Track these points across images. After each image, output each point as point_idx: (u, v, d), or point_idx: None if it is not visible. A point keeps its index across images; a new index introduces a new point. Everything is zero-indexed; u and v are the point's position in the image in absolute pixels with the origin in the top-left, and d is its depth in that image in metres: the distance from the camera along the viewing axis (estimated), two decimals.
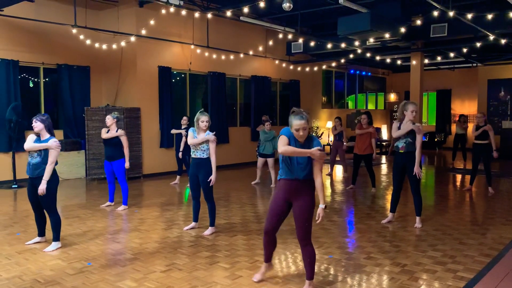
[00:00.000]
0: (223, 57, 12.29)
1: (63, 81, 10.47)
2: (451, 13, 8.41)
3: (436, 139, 18.37)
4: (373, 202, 7.84)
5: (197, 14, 9.71)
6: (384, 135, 19.98)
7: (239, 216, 6.64)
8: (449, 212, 7.01)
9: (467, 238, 5.40)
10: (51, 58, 10.29)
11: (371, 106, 20.56)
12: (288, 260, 4.68)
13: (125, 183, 7.09)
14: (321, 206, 3.70)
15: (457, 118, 15.06)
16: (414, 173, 5.89)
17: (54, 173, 4.90)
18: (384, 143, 18.11)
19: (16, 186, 9.09)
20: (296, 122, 3.62)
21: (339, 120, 10.80)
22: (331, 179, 10.40)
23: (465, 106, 18.51)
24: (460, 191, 8.96)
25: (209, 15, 9.81)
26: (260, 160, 9.57)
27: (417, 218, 6.07)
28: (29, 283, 3.99)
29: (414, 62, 13.76)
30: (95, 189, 9.03)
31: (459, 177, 10.89)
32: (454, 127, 15.06)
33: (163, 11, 9.42)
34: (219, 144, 11.90)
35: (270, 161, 9.35)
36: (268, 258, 4.05)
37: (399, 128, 5.95)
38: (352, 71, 18.20)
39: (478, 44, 11.67)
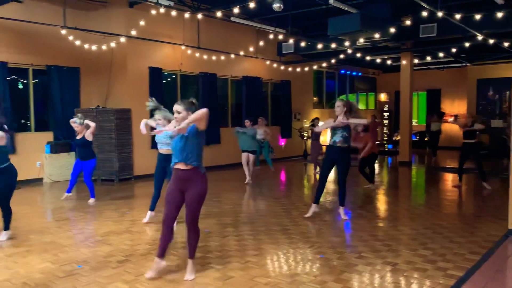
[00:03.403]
0: (214, 57, 12.27)
1: (53, 83, 10.38)
2: (440, 14, 8.49)
3: (426, 139, 18.50)
4: (364, 201, 7.88)
5: (187, 15, 9.68)
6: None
7: (231, 216, 6.63)
8: (439, 210, 7.07)
9: (457, 237, 5.45)
10: (40, 59, 10.20)
11: (362, 106, 20.65)
12: (280, 260, 4.69)
13: (90, 181, 7.71)
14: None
15: (433, 116, 15.32)
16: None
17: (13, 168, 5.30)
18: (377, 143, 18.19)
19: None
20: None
21: (318, 121, 11.26)
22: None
23: (454, 106, 18.66)
24: (449, 190, 9.03)
25: (200, 16, 9.79)
26: (244, 156, 9.92)
27: (342, 208, 6.44)
28: (19, 286, 3.95)
29: (404, 62, 13.86)
30: (86, 191, 8.97)
31: (448, 175, 10.97)
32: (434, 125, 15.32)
33: (153, 12, 9.37)
34: (210, 144, 11.88)
35: (252, 157, 9.80)
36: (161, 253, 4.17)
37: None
38: (343, 71, 18.28)
39: (467, 44, 11.77)
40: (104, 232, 5.76)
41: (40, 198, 8.62)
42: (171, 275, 4.20)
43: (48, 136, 10.44)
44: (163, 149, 6.08)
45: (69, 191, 7.93)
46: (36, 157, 10.15)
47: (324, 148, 10.85)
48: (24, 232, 5.78)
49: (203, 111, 3.93)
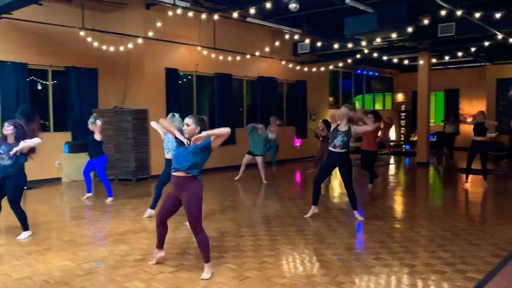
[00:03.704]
0: (229, 58, 12.31)
1: (71, 84, 10.54)
2: (459, 13, 8.36)
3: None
4: (382, 203, 7.80)
5: (203, 16, 9.73)
6: (392, 135, 19.90)
7: (246, 217, 6.64)
8: (457, 212, 6.97)
9: (476, 239, 5.36)
10: (59, 60, 10.36)
11: (378, 106, 20.47)
12: (296, 261, 4.68)
13: (105, 177, 7.87)
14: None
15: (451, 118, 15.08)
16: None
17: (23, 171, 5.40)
18: (391, 143, 18.04)
19: (25, 187, 9.13)
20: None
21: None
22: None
23: (473, 106, 18.36)
24: (468, 191, 8.89)
25: (216, 17, 9.83)
26: (248, 158, 10.08)
27: (356, 212, 6.43)
28: (39, 283, 4.02)
29: (421, 62, 13.68)
30: (103, 190, 9.07)
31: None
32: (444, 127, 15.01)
33: (170, 13, 9.45)
34: (225, 145, 11.92)
35: (260, 159, 9.91)
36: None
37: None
38: (359, 71, 18.14)
39: (487, 43, 11.57)
40: (122, 231, 5.83)
41: (58, 197, 8.76)
42: (187, 274, 4.23)
43: (67, 136, 10.61)
44: (169, 154, 6.27)
45: (89, 190, 8.16)
46: (55, 156, 10.32)
47: None
48: (44, 230, 5.88)
49: (227, 129, 4.00)
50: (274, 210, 7.10)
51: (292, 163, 14.02)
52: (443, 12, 8.77)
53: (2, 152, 5.25)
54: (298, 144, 15.16)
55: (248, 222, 6.28)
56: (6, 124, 5.34)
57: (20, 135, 5.29)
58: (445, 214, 6.76)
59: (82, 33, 9.45)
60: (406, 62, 15.76)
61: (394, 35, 9.72)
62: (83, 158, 10.47)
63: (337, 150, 6.26)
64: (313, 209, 6.59)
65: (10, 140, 5.31)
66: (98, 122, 7.79)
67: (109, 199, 7.89)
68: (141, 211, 7.04)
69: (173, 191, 4.20)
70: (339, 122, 6.31)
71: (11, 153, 5.17)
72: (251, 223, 6.26)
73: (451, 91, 18.86)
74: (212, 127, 12.85)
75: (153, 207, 6.61)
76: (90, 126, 7.84)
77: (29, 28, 9.65)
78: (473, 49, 13.18)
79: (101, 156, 7.88)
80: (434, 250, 4.93)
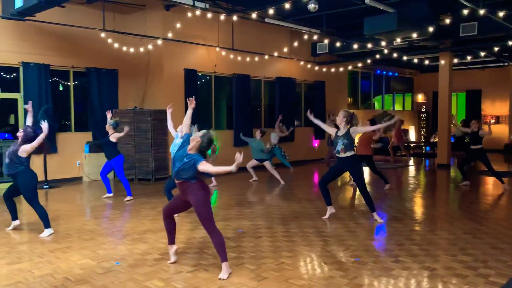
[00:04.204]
0: (247, 59, 12.33)
1: (92, 84, 10.71)
2: (481, 11, 8.20)
3: (466, 140, 17.91)
4: (401, 205, 7.70)
5: (222, 17, 9.77)
6: (412, 136, 19.66)
7: (264, 217, 6.64)
8: (479, 215, 6.83)
9: (500, 242, 5.24)
10: (81, 61, 10.54)
11: (398, 107, 20.24)
12: (314, 262, 4.65)
13: (124, 177, 8.04)
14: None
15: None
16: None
17: (27, 170, 5.60)
18: (411, 145, 17.81)
19: (47, 186, 9.35)
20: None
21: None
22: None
23: (496, 107, 18.01)
24: (490, 194, 8.71)
25: (235, 18, 9.85)
26: (253, 162, 10.19)
27: (375, 214, 6.36)
28: (60, 281, 4.09)
29: (442, 62, 13.47)
30: (123, 190, 9.19)
31: (489, 179, 10.58)
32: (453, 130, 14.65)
33: (189, 14, 9.52)
34: (242, 146, 11.95)
35: (266, 163, 9.99)
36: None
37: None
38: (378, 72, 17.96)
39: (510, 43, 11.33)
40: (141, 230, 5.89)
41: (79, 196, 8.90)
42: (206, 273, 4.25)
43: (87, 136, 10.78)
44: None
45: (109, 191, 8.32)
46: (76, 156, 10.51)
47: None
48: (65, 228, 5.99)
49: (226, 170, 4.05)
50: (291, 211, 7.08)
51: (310, 164, 13.96)
52: (465, 11, 8.62)
53: (6, 152, 5.70)
54: (316, 144, 15.09)
55: (265, 223, 6.27)
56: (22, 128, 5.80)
57: (27, 139, 5.61)
58: (466, 217, 6.63)
59: (103, 34, 9.60)
60: (426, 62, 15.55)
61: (414, 35, 9.59)
62: (103, 158, 10.56)
63: (341, 155, 6.24)
64: (330, 210, 6.55)
65: (18, 142, 5.67)
66: (126, 128, 8.16)
67: (128, 198, 8.01)
68: (160, 211, 7.10)
69: (181, 194, 4.38)
70: (340, 127, 6.32)
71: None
72: (268, 223, 6.25)
73: (473, 92, 18.53)
74: (230, 127, 12.95)
75: None
76: (107, 127, 8.03)
77: (52, 30, 9.85)
78: (496, 49, 12.92)
79: (118, 156, 8.04)
80: (455, 253, 4.84)
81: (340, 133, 6.27)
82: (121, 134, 8.07)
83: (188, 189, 4.19)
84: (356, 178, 6.38)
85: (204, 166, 4.05)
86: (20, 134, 5.69)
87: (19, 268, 4.44)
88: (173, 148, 6.33)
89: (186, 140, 4.26)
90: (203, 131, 4.24)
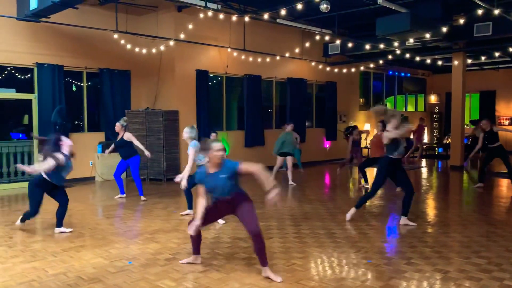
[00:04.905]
0: (259, 59, 12.33)
1: (105, 85, 10.81)
2: (496, 11, 8.11)
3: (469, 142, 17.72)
4: (414, 207, 7.61)
5: (234, 18, 9.79)
6: (425, 137, 19.46)
7: (275, 218, 6.63)
8: (494, 217, 6.74)
9: None
10: (93, 62, 10.65)
11: (410, 108, 20.09)
12: (325, 264, 4.63)
13: (138, 177, 8.10)
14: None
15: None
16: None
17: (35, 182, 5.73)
18: (424, 146, 17.64)
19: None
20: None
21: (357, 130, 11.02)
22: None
23: (510, 108, 17.76)
24: (504, 196, 8.59)
25: (246, 18, 9.87)
26: (281, 160, 9.98)
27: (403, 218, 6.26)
28: (73, 279, 4.13)
29: (456, 63, 13.32)
30: (135, 189, 9.26)
31: (503, 181, 10.44)
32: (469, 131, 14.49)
33: (201, 16, 9.56)
34: (254, 146, 11.98)
35: (290, 159, 9.90)
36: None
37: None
38: (390, 72, 17.84)
39: None
40: (153, 230, 5.92)
41: (92, 196, 8.98)
42: (217, 274, 4.25)
43: (100, 136, 10.88)
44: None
45: (122, 192, 8.36)
46: (89, 156, 10.61)
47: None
48: (78, 228, 6.05)
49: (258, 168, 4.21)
50: (303, 212, 7.06)
51: (320, 165, 13.92)
52: (479, 11, 8.52)
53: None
54: (327, 146, 15.03)
55: (277, 224, 6.26)
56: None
57: (46, 156, 5.72)
58: (480, 219, 6.55)
59: (115, 35, 9.68)
60: (439, 62, 15.39)
61: (427, 36, 9.50)
62: (116, 158, 10.68)
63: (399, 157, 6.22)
64: (354, 212, 6.48)
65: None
66: (136, 141, 8.07)
67: (143, 198, 8.07)
68: (172, 211, 7.14)
69: (220, 211, 4.42)
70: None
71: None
72: (279, 224, 6.24)
73: (487, 93, 18.30)
74: (241, 128, 12.95)
75: (190, 207, 6.78)
76: (117, 128, 8.05)
77: (65, 32, 9.96)
78: (511, 49, 12.74)
79: (135, 155, 8.06)
80: (469, 256, 4.78)
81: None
82: (132, 135, 8.09)
83: (236, 200, 4.26)
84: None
85: (245, 165, 4.18)
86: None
87: (33, 266, 4.50)
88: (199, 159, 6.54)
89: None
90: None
